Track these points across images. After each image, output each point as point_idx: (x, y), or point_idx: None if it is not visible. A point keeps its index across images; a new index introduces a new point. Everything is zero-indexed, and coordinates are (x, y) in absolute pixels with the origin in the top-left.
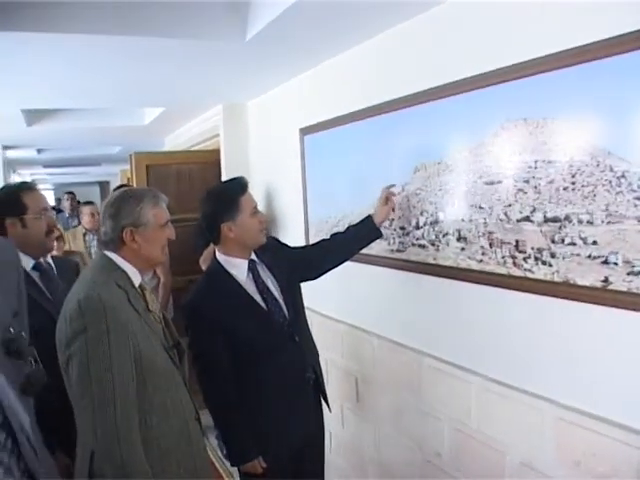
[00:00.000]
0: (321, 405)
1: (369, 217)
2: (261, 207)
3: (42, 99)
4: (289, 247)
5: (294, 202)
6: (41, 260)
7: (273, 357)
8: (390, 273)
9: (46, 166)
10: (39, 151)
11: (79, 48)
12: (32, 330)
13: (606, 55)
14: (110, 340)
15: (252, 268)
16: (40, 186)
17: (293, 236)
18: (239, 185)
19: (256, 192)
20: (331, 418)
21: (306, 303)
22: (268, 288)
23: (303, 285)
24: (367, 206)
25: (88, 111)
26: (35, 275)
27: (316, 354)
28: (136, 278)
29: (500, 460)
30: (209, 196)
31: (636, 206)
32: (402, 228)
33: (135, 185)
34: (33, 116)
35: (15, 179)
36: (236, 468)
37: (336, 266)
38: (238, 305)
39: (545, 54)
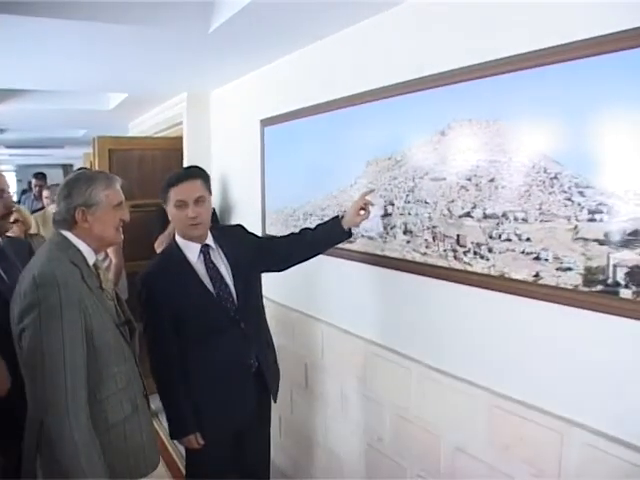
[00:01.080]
0: (267, 393)
1: (338, 219)
2: (219, 194)
3: (5, 79)
4: (256, 236)
5: (252, 191)
6: None
7: (215, 340)
8: (339, 263)
9: (8, 147)
10: (1, 131)
11: (44, 31)
12: None
13: (547, 63)
14: (63, 314)
15: (204, 252)
16: (1, 167)
17: (250, 224)
18: (176, 176)
19: (215, 180)
20: (281, 403)
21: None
22: (219, 272)
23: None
24: (322, 197)
25: (52, 93)
26: None
27: (266, 344)
28: (90, 257)
29: (436, 444)
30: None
31: (566, 206)
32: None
33: (98, 169)
34: None
35: None
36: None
37: (302, 262)
38: (186, 285)
39: (489, 59)
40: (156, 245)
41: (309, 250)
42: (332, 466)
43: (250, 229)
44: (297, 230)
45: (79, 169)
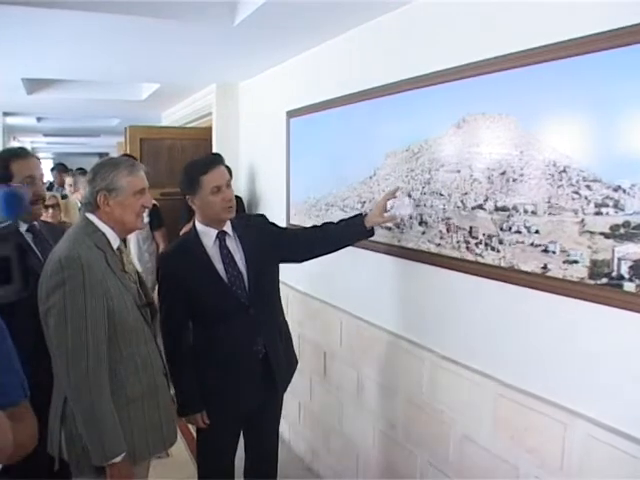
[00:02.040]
0: (274, 381)
1: (361, 216)
2: (246, 184)
3: (43, 69)
4: (277, 227)
5: (278, 181)
6: (35, 223)
7: (224, 323)
8: (359, 253)
9: (46, 135)
10: (39, 119)
11: (79, 24)
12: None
13: (556, 58)
14: (86, 294)
15: (220, 238)
16: (40, 154)
17: (274, 214)
18: (203, 164)
19: (242, 170)
20: (301, 390)
21: (284, 280)
22: (233, 259)
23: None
24: (343, 188)
25: (87, 83)
26: (29, 237)
27: (277, 333)
28: (114, 240)
29: (446, 433)
30: (182, 170)
31: (573, 199)
32: (371, 210)
33: None
34: (33, 85)
35: (15, 145)
36: None
37: (321, 255)
38: (198, 268)
39: (502, 54)
40: (181, 233)
41: (329, 245)
42: (347, 452)
43: (275, 219)
44: (319, 222)
45: (123, 155)
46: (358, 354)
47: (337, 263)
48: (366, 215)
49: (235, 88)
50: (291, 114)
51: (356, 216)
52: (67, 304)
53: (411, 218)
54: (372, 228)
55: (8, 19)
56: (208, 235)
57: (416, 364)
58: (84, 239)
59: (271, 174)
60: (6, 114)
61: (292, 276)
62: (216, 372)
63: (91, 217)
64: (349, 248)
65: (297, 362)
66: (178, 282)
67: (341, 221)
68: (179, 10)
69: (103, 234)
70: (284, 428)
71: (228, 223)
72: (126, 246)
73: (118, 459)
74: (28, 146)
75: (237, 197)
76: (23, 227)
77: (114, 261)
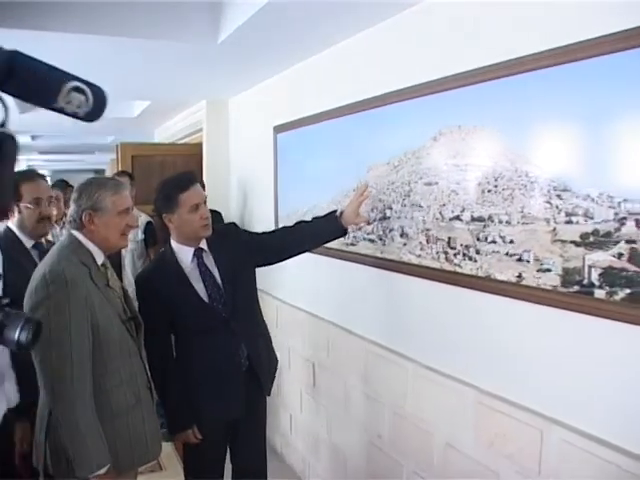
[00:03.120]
0: (261, 391)
1: (335, 215)
2: (236, 198)
3: None
4: (248, 232)
5: (266, 195)
6: (41, 241)
7: (207, 339)
8: (344, 265)
9: (41, 152)
10: (33, 137)
11: (68, 45)
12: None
13: (526, 70)
14: (70, 309)
15: (198, 256)
16: None
17: (263, 227)
18: (181, 182)
19: (233, 184)
20: (291, 402)
21: (273, 293)
22: (212, 275)
23: (270, 275)
24: (328, 201)
25: None
26: (34, 254)
27: (259, 338)
28: (99, 257)
29: (429, 441)
30: (157, 188)
31: (545, 209)
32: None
33: None
34: (26, 104)
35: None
36: None
37: (295, 255)
38: (176, 287)
39: (475, 67)
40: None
41: (302, 244)
42: (337, 463)
43: (264, 230)
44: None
45: (116, 173)
46: (345, 365)
47: (323, 275)
48: (341, 213)
49: (225, 104)
50: (278, 129)
51: (330, 214)
52: (51, 319)
53: (391, 231)
54: (346, 228)
55: None
56: (185, 253)
57: (400, 374)
58: (69, 255)
59: (260, 188)
60: None
61: (280, 289)
62: (201, 387)
63: (76, 234)
64: (335, 261)
65: (277, 360)
66: (158, 302)
67: (315, 219)
68: (163, 30)
69: (88, 251)
70: (276, 440)
71: (204, 240)
72: (120, 263)
73: (102, 471)
74: (24, 164)
75: (216, 212)
76: (29, 244)
77: (98, 277)
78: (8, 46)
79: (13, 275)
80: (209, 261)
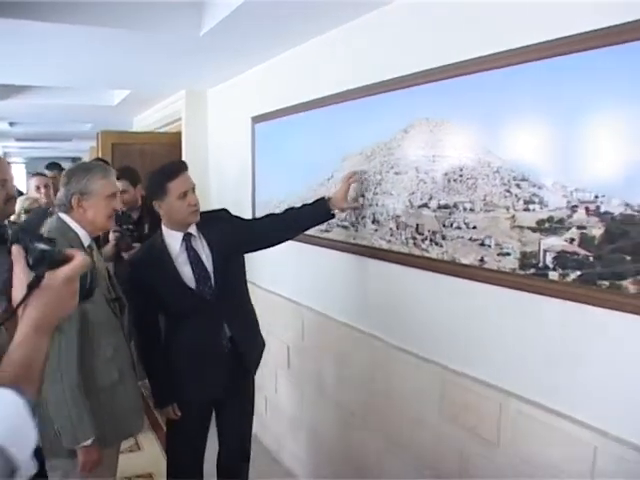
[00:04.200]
0: (244, 374)
1: (324, 200)
2: (216, 189)
3: (13, 76)
4: (240, 219)
5: (244, 184)
6: (5, 223)
7: (190, 321)
8: (318, 251)
9: (18, 139)
10: (11, 124)
11: (51, 33)
12: None
13: (485, 69)
14: None
15: (186, 240)
16: (12, 159)
17: (242, 215)
18: (170, 170)
19: (212, 173)
20: (266, 383)
21: (251, 279)
22: (199, 259)
23: (249, 262)
24: (304, 190)
25: (59, 89)
26: None
27: (245, 322)
28: (85, 239)
29: (399, 417)
30: (148, 176)
31: (505, 197)
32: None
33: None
34: (5, 90)
35: None
36: None
37: (285, 241)
38: (162, 271)
39: (442, 64)
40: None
41: (290, 230)
42: (311, 441)
43: None
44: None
45: (96, 159)
46: (319, 346)
47: (298, 261)
48: (329, 199)
49: (204, 95)
50: (256, 120)
51: (319, 200)
52: None
53: (363, 218)
54: (334, 212)
55: None
56: (174, 238)
57: (371, 354)
58: (57, 237)
59: (238, 177)
60: None
61: (257, 274)
62: (184, 366)
63: (64, 217)
64: (309, 246)
65: (264, 343)
66: (145, 286)
67: (304, 205)
68: (146, 22)
69: (75, 233)
70: None
71: (193, 225)
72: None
73: (88, 442)
74: (0, 151)
75: (224, 210)
76: None
77: None
78: None
79: None
80: (197, 245)
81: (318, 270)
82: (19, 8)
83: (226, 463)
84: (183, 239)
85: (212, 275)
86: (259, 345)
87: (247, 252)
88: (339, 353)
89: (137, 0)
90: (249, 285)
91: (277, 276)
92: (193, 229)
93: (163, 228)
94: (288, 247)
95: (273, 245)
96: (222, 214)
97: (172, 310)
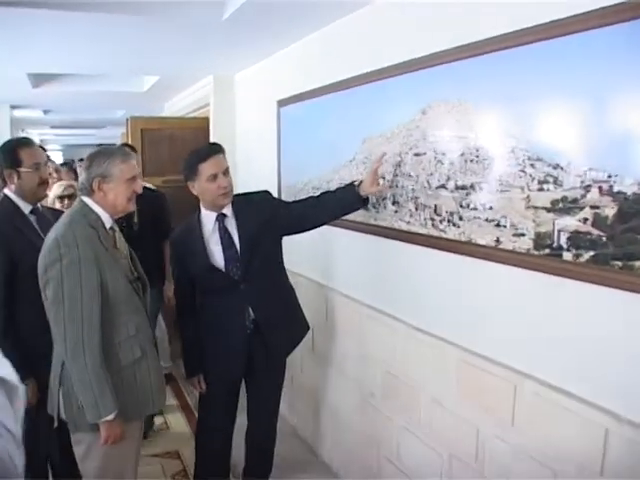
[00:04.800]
0: (270, 356)
1: (353, 186)
2: (243, 172)
3: (46, 64)
4: (279, 200)
5: (270, 167)
6: (38, 206)
7: (216, 299)
8: (342, 233)
9: (53, 127)
10: (45, 112)
11: (78, 22)
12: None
13: (507, 47)
14: (81, 267)
15: (220, 220)
16: (48, 146)
17: None
18: (202, 153)
19: (239, 157)
20: (292, 364)
21: None
22: (231, 239)
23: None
24: (327, 172)
25: (91, 76)
26: (32, 218)
27: (273, 302)
28: (107, 221)
29: (417, 397)
30: (185, 158)
31: (520, 177)
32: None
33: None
34: (38, 79)
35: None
36: None
37: (319, 226)
38: (195, 249)
39: (457, 45)
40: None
41: (324, 215)
42: (333, 420)
43: None
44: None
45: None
46: (341, 328)
47: (321, 242)
48: (359, 184)
49: (231, 79)
50: (281, 103)
51: (348, 185)
52: (64, 276)
53: (384, 200)
54: (367, 197)
55: (11, 19)
56: (209, 218)
57: (390, 335)
58: (80, 219)
59: (265, 160)
60: (13, 107)
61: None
62: (209, 339)
63: (87, 200)
64: (334, 229)
65: (307, 326)
66: (181, 262)
67: (337, 189)
68: (170, 8)
69: (97, 215)
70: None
71: (228, 205)
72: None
73: (110, 417)
74: (36, 138)
75: (266, 191)
76: (27, 209)
77: (107, 239)
78: (30, 27)
79: (16, 241)
80: (231, 225)
81: (340, 252)
82: None
83: (252, 438)
84: (216, 219)
85: (240, 257)
86: (294, 332)
87: (283, 235)
88: (360, 334)
89: None
90: None
91: (302, 258)
92: (228, 210)
93: (201, 208)
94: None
95: (308, 229)
96: (263, 196)
97: (201, 287)
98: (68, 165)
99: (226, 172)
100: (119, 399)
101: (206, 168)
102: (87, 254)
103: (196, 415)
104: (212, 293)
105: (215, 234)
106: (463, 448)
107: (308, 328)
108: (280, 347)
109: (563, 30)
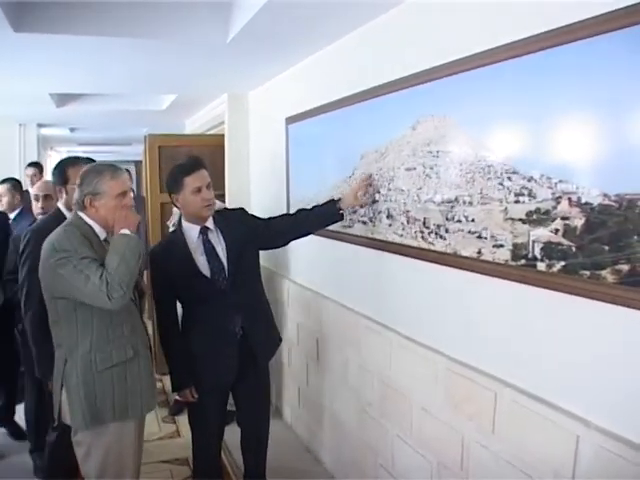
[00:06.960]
0: (255, 362)
1: (334, 201)
2: (256, 188)
3: (68, 85)
4: (254, 217)
5: (280, 184)
6: None
7: (204, 308)
8: (342, 246)
9: (80, 144)
10: (72, 130)
11: (95, 46)
12: None
13: (483, 65)
14: (82, 270)
15: (203, 233)
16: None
17: (277, 212)
18: (186, 167)
19: (253, 174)
20: (298, 375)
21: (283, 273)
22: (214, 250)
23: (282, 257)
24: (329, 187)
25: (112, 95)
26: None
27: (255, 312)
28: (101, 233)
29: (408, 406)
30: (168, 171)
31: (499, 190)
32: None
33: (148, 164)
34: (62, 98)
35: (53, 155)
36: None
37: (295, 239)
38: (180, 261)
39: (443, 62)
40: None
41: (301, 229)
42: (336, 430)
43: None
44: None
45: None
46: (342, 338)
47: (324, 255)
48: (339, 200)
49: (245, 97)
50: (289, 120)
51: (329, 201)
52: (69, 263)
53: (379, 213)
54: (342, 213)
55: (33, 43)
56: (191, 230)
57: (385, 344)
58: (73, 230)
59: (275, 177)
60: (40, 125)
61: (289, 270)
62: (198, 349)
63: (81, 214)
64: (335, 242)
65: (280, 338)
66: (164, 274)
67: (315, 207)
68: (173, 31)
69: (90, 227)
70: (287, 412)
71: (210, 219)
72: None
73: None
74: (64, 155)
75: (241, 209)
76: None
77: (99, 248)
78: (52, 50)
79: None
80: (214, 238)
81: (341, 263)
82: (73, 24)
83: (244, 443)
84: (200, 232)
85: (226, 266)
86: (272, 339)
87: (261, 249)
88: (359, 345)
89: (168, 15)
90: (279, 277)
91: (307, 270)
92: (210, 223)
93: (182, 222)
94: (315, 242)
95: (285, 244)
96: (239, 212)
97: (188, 297)
98: None
99: (209, 186)
100: (107, 396)
101: (191, 181)
102: (85, 252)
103: None
104: (199, 302)
105: (200, 246)
106: (450, 455)
107: (281, 340)
108: (265, 352)
109: (536, 46)
